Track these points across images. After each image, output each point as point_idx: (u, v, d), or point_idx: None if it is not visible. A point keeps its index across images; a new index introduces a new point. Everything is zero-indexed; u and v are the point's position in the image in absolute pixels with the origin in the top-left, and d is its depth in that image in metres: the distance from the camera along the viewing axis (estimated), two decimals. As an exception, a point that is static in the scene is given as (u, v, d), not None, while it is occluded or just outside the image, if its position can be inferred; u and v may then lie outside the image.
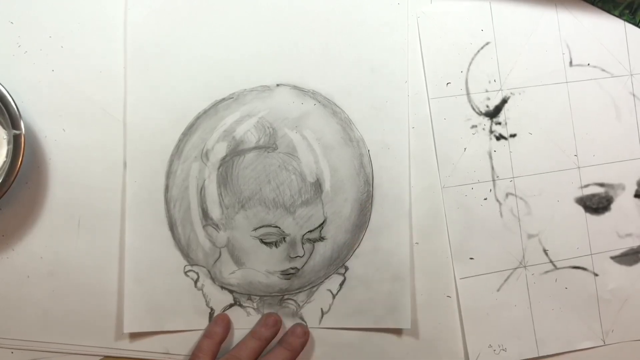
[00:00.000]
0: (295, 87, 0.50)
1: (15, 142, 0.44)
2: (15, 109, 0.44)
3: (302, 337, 0.49)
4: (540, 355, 0.52)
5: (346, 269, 0.50)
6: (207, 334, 0.48)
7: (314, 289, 0.50)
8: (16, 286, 0.48)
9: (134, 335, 0.49)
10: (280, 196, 0.49)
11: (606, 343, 0.53)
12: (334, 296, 0.50)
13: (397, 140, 0.51)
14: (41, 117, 0.47)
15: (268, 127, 0.49)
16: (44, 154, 0.48)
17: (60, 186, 0.48)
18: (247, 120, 0.49)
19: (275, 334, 0.49)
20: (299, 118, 0.50)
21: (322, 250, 0.50)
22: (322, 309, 0.50)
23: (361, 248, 0.50)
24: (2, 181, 0.44)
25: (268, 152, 0.49)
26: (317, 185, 0.49)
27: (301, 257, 0.50)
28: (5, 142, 0.44)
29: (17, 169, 0.44)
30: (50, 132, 0.48)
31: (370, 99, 0.50)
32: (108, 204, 0.48)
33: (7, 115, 0.44)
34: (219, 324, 0.48)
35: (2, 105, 0.44)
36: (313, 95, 0.50)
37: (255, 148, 0.49)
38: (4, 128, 0.45)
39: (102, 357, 0.48)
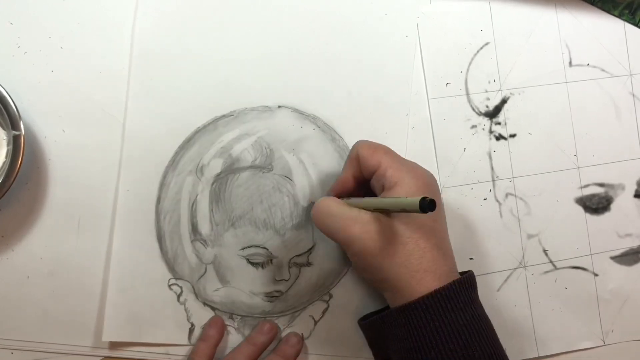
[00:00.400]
0: (296, 110, 0.50)
1: (14, 143, 0.44)
2: (15, 109, 0.44)
3: (296, 346, 0.48)
4: (540, 355, 0.52)
5: (330, 296, 0.50)
6: (202, 337, 0.48)
7: (297, 313, 0.50)
8: (16, 286, 0.47)
9: (118, 342, 0.48)
10: (271, 218, 0.49)
11: (606, 343, 0.53)
12: (315, 323, 0.50)
13: None
14: (41, 117, 0.47)
15: (265, 148, 0.49)
16: (44, 155, 0.48)
17: (60, 186, 0.48)
18: (245, 138, 0.49)
19: (271, 340, 0.48)
20: (298, 141, 0.49)
21: (308, 275, 0.50)
22: (302, 335, 0.50)
23: (347, 277, 0.50)
24: (2, 182, 0.44)
25: (263, 172, 0.49)
26: (310, 210, 0.49)
27: (286, 280, 0.49)
28: (5, 143, 0.44)
29: (17, 169, 0.44)
30: (50, 133, 0.48)
31: (370, 129, 0.50)
32: (108, 204, 0.48)
33: (6, 116, 0.44)
34: (214, 327, 0.48)
35: (1, 106, 0.44)
36: (313, 119, 0.50)
37: (250, 167, 0.49)
38: (4, 129, 0.45)
39: (102, 358, 0.48)
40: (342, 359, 0.50)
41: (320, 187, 0.49)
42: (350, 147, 0.48)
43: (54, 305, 0.48)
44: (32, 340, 0.48)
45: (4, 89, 0.44)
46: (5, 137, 0.44)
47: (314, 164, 0.49)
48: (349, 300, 0.50)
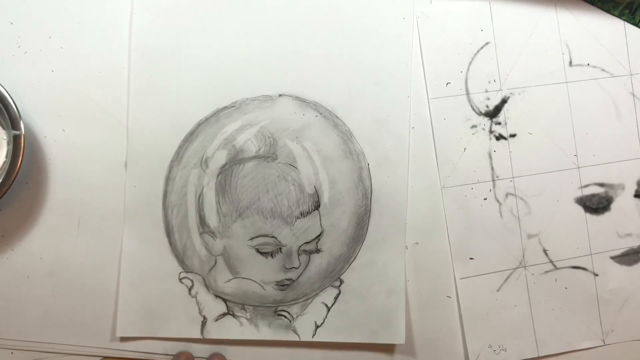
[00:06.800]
0: (297, 98, 0.50)
1: (15, 143, 0.44)
2: (15, 109, 0.44)
3: None
4: (540, 355, 0.52)
5: (341, 282, 0.50)
6: None
7: (309, 301, 0.50)
8: (16, 286, 0.48)
9: (133, 337, 0.49)
10: (278, 206, 0.49)
11: (606, 343, 0.53)
12: (328, 309, 0.50)
13: (397, 156, 0.51)
14: (41, 117, 0.47)
15: (269, 137, 0.49)
16: (44, 154, 0.48)
17: (60, 186, 0.48)
18: (248, 129, 0.49)
19: None
20: (300, 129, 0.50)
21: (318, 262, 0.50)
22: (315, 322, 0.50)
23: (357, 261, 0.50)
24: (2, 181, 0.44)
25: (268, 161, 0.49)
26: (316, 197, 0.49)
27: (297, 268, 0.49)
28: (5, 143, 0.45)
29: (17, 169, 0.44)
30: (50, 132, 0.48)
31: (372, 112, 0.50)
32: (108, 204, 0.48)
33: (7, 116, 0.44)
34: None
35: (2, 106, 0.44)
36: (315, 106, 0.50)
37: (255, 157, 0.49)
38: (4, 128, 0.45)
39: (101, 357, 0.48)
40: (356, 345, 0.50)
41: (325, 172, 0.50)
42: (352, 132, 0.49)
43: (54, 304, 0.48)
44: (32, 340, 0.48)
45: (4, 88, 0.44)
46: (5, 137, 0.45)
47: (317, 150, 0.50)
48: (360, 284, 0.50)
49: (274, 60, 0.50)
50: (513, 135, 0.52)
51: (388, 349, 0.51)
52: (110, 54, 0.48)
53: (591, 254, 0.53)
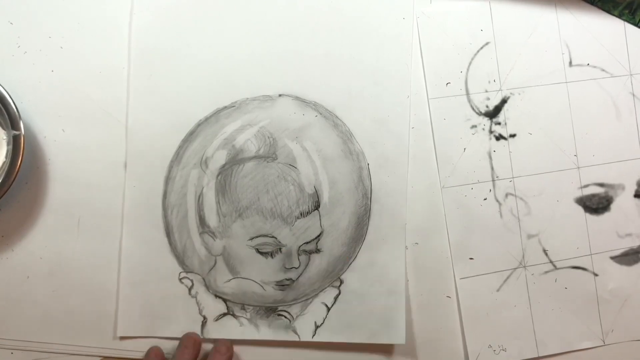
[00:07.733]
0: (297, 98, 0.50)
1: (14, 143, 0.44)
2: (15, 109, 0.44)
3: (226, 354, 0.47)
4: (540, 355, 0.52)
5: (341, 282, 0.50)
6: None
7: (309, 301, 0.50)
8: (16, 286, 0.48)
9: (133, 337, 0.49)
10: (278, 206, 0.49)
11: (606, 343, 0.53)
12: (328, 309, 0.50)
13: (397, 156, 0.51)
14: (41, 117, 0.47)
15: (268, 137, 0.49)
16: (44, 154, 0.48)
17: (60, 186, 0.48)
18: (247, 129, 0.49)
19: (197, 354, 0.48)
20: (300, 129, 0.50)
21: (318, 262, 0.50)
22: (315, 322, 0.50)
23: (357, 261, 0.50)
24: (1, 181, 0.44)
25: (267, 162, 0.49)
26: (316, 197, 0.49)
27: (296, 268, 0.49)
28: (4, 143, 0.45)
29: (17, 169, 0.44)
30: (50, 133, 0.48)
31: (372, 112, 0.50)
32: (108, 204, 0.48)
33: (6, 116, 0.44)
34: (152, 357, 0.47)
35: (1, 106, 0.44)
36: (315, 106, 0.50)
37: (254, 157, 0.49)
38: (4, 129, 0.45)
39: (102, 357, 0.48)
40: (356, 346, 0.50)
41: (325, 172, 0.50)
42: (352, 132, 0.49)
43: (54, 305, 0.48)
44: (32, 340, 0.48)
45: (4, 88, 0.44)
46: (5, 137, 0.45)
47: (317, 150, 0.50)
48: (360, 285, 0.50)
49: (274, 60, 0.50)
50: (513, 135, 0.52)
51: (388, 349, 0.51)
52: (110, 54, 0.48)
53: (591, 254, 0.53)
